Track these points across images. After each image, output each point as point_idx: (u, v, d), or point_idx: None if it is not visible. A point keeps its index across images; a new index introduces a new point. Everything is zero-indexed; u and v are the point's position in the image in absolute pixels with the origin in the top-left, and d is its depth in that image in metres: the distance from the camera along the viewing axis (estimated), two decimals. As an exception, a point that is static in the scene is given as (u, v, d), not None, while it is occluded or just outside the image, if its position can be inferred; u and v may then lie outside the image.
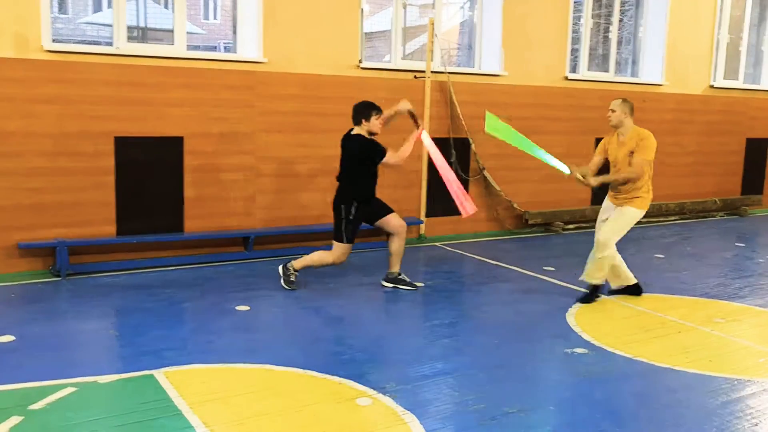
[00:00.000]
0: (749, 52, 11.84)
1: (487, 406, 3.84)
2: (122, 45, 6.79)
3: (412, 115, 6.24)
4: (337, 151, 7.66)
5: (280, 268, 6.05)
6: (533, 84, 8.98)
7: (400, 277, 6.18)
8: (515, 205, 8.90)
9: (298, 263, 5.99)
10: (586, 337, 5.01)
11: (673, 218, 10.43)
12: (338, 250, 5.90)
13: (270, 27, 7.25)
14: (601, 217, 6.07)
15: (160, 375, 4.11)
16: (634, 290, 6.15)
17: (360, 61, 7.85)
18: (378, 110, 5.97)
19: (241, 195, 7.18)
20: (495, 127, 5.86)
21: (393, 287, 6.14)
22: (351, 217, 5.86)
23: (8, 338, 4.64)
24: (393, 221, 6.11)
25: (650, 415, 3.84)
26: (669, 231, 9.61)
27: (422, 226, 8.34)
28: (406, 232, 6.20)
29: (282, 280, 6.00)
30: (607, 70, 10.09)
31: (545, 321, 5.43)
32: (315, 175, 7.55)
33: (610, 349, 4.77)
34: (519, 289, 6.35)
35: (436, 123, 8.24)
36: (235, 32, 7.63)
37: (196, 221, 6.97)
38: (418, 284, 6.21)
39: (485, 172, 8.64)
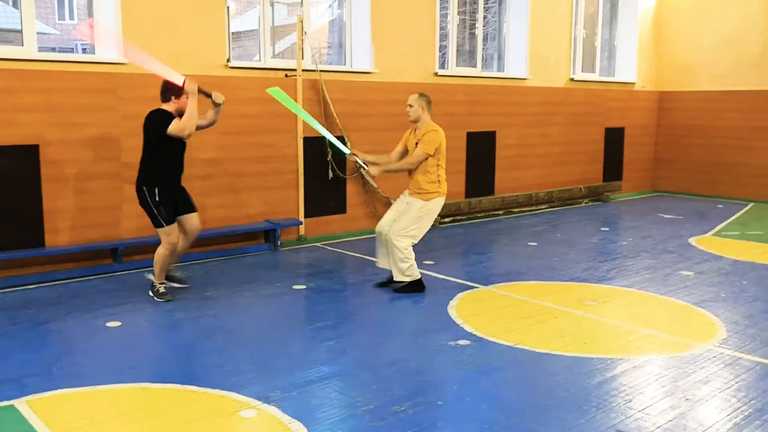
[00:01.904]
0: (603, 46, 12.53)
1: (376, 406, 3.80)
2: (-38, 47, 6.23)
3: (200, 90, 5.83)
4: (212, 154, 7.46)
5: (149, 289, 5.84)
6: (404, 80, 9.05)
7: (171, 274, 5.98)
8: (392, 202, 8.92)
9: (156, 276, 5.78)
10: (468, 328, 5.09)
11: (543, 207, 10.87)
12: (164, 237, 5.67)
13: (130, 27, 6.88)
14: (398, 207, 6.21)
15: (22, 405, 3.78)
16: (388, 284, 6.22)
17: (228, 60, 7.61)
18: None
19: (107, 204, 6.77)
20: (279, 94, 6.18)
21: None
22: (157, 200, 5.58)
23: None
24: (193, 220, 5.90)
25: (534, 400, 3.93)
26: (540, 219, 10.00)
27: (301, 227, 8.22)
28: (195, 237, 5.98)
29: (155, 297, 5.75)
30: (474, 66, 10.34)
31: (428, 315, 5.47)
32: (190, 179, 7.22)
33: (492, 339, 4.86)
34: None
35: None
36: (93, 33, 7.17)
37: (58, 234, 6.51)
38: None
39: (362, 170, 8.61)
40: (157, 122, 5.52)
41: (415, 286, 6.01)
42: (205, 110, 5.99)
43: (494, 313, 5.51)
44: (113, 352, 4.62)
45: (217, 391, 3.96)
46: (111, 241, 6.73)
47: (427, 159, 5.86)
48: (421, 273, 6.23)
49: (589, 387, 4.10)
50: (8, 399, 3.84)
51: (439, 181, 5.99)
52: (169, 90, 5.62)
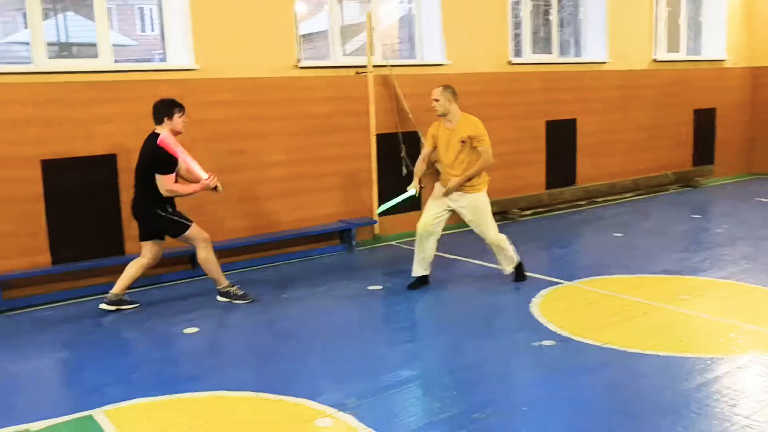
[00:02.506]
0: (688, 24, 11.86)
1: (455, 413, 3.61)
2: (42, 62, 6.39)
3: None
4: (282, 156, 7.43)
5: (219, 298, 5.84)
6: (477, 71, 8.79)
7: (123, 297, 5.78)
8: (470, 196, 8.69)
9: (219, 283, 5.80)
10: (552, 327, 4.83)
11: (628, 195, 10.37)
12: (193, 239, 5.68)
13: (200, 33, 6.92)
14: (437, 206, 6.01)
15: (100, 415, 3.78)
16: (424, 281, 6.07)
17: (298, 61, 7.56)
18: (181, 108, 5.69)
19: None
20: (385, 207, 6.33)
21: (116, 309, 5.71)
22: (171, 211, 5.63)
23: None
24: (160, 248, 5.86)
25: (625, 405, 3.65)
26: (625, 208, 9.54)
27: (376, 226, 8.09)
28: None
29: (235, 302, 5.77)
30: (550, 52, 9.96)
31: (510, 314, 5.23)
32: (258, 181, 7.24)
33: (577, 339, 4.59)
34: (480, 283, 6.15)
35: (382, 118, 7.99)
36: (163, 40, 7.27)
37: (137, 242, 6.59)
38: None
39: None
40: (152, 160, 5.48)
41: (521, 268, 6.04)
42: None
43: (580, 310, 5.22)
44: (190, 359, 4.61)
45: (292, 399, 3.86)
46: (187, 247, 6.77)
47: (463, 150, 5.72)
48: (501, 270, 6.02)
49: (686, 390, 3.79)
50: (88, 409, 3.85)
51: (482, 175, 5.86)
52: (160, 112, 5.59)
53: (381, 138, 8.01)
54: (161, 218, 5.59)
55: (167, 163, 5.48)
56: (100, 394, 4.05)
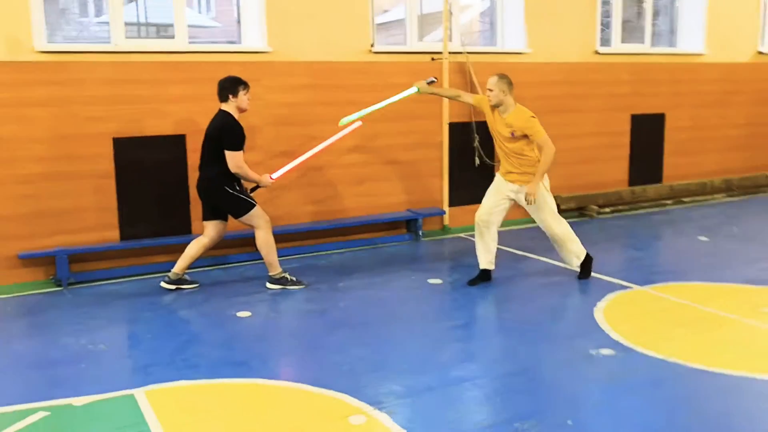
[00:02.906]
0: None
1: (495, 422, 3.42)
2: (120, 42, 6.52)
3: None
4: (355, 142, 7.33)
5: (272, 285, 5.79)
6: (559, 60, 8.42)
7: (183, 277, 5.83)
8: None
9: (273, 269, 5.76)
10: (614, 335, 4.53)
11: (719, 196, 9.73)
12: (254, 220, 5.65)
13: (274, 15, 6.89)
14: (497, 194, 5.75)
15: (141, 395, 3.80)
16: (485, 277, 5.84)
17: (372, 45, 7.43)
18: (245, 85, 5.67)
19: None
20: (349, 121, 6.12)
21: (176, 288, 5.77)
22: (237, 188, 5.60)
23: (-9, 355, 4.41)
24: (219, 229, 5.83)
25: (687, 427, 3.36)
26: (715, 210, 8.96)
27: (445, 216, 7.89)
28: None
29: (290, 288, 5.76)
30: (642, 42, 9.43)
31: (571, 318, 4.96)
32: (326, 167, 7.18)
33: (640, 349, 4.28)
34: (546, 282, 5.88)
35: (457, 106, 7.76)
36: (239, 22, 7.29)
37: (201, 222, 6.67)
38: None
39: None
40: (224, 132, 5.49)
41: (589, 263, 5.81)
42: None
43: (648, 318, 4.88)
44: (237, 344, 4.58)
45: (331, 393, 3.76)
46: (251, 229, 6.79)
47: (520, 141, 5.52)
48: (570, 269, 5.74)
49: (760, 415, 3.45)
50: (131, 388, 3.88)
51: (539, 160, 5.58)
52: (225, 89, 5.60)
53: (454, 127, 7.79)
54: (228, 195, 5.58)
55: (238, 138, 5.51)
56: (144, 373, 4.08)
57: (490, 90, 5.48)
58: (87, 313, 5.25)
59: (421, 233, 7.56)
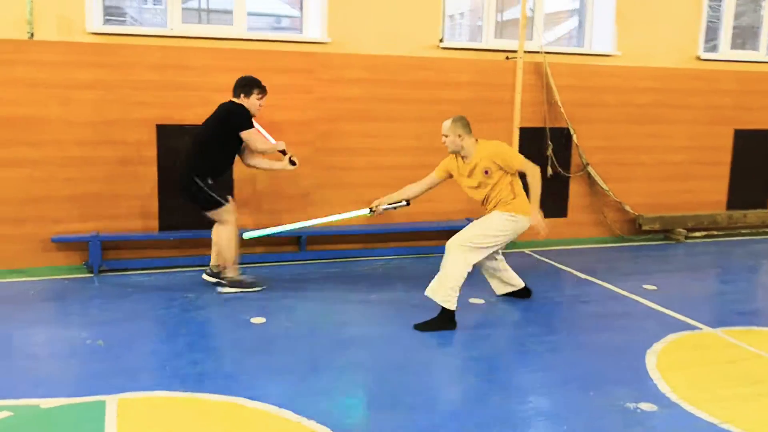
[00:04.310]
0: None
1: (486, 482, 2.89)
2: (176, 26, 6.35)
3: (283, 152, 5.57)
4: (410, 142, 6.86)
5: (221, 290, 5.40)
6: (653, 65, 7.60)
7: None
8: (627, 208, 7.60)
9: (229, 270, 5.38)
10: (662, 386, 3.85)
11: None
12: (224, 214, 5.28)
13: (336, 4, 6.53)
14: None
15: (114, 402, 3.52)
16: (524, 294, 5.37)
17: (441, 40, 6.94)
18: (262, 90, 5.32)
19: (294, 191, 6.52)
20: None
21: (216, 283, 5.49)
22: (210, 183, 5.22)
23: (-10, 343, 4.27)
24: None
25: None
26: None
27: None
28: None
29: (243, 291, 5.37)
30: (756, 49, 8.43)
31: (615, 358, 4.28)
32: (380, 168, 6.75)
33: (690, 408, 3.59)
34: (603, 312, 5.20)
35: (529, 110, 7.15)
36: (301, 9, 6.98)
37: (246, 217, 6.41)
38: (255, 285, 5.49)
39: (590, 168, 7.41)
40: (239, 117, 5.21)
41: (445, 322, 4.72)
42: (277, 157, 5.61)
43: (709, 369, 4.15)
44: (237, 354, 4.24)
45: (312, 424, 3.34)
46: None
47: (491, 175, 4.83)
48: (635, 299, 5.03)
49: None
50: (109, 393, 3.60)
51: (515, 196, 4.87)
52: (239, 87, 5.32)
53: (525, 132, 7.16)
54: (196, 188, 5.24)
55: (249, 118, 5.25)
56: (128, 378, 3.80)
57: (445, 136, 4.83)
58: (104, 304, 5.07)
59: (479, 245, 6.98)
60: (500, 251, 5.22)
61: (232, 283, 5.40)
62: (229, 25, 6.61)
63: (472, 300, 5.37)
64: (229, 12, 6.73)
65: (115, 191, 6.00)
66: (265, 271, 6.08)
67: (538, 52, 7.16)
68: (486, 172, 4.77)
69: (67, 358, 4.10)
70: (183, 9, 6.44)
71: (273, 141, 5.48)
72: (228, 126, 5.21)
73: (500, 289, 5.36)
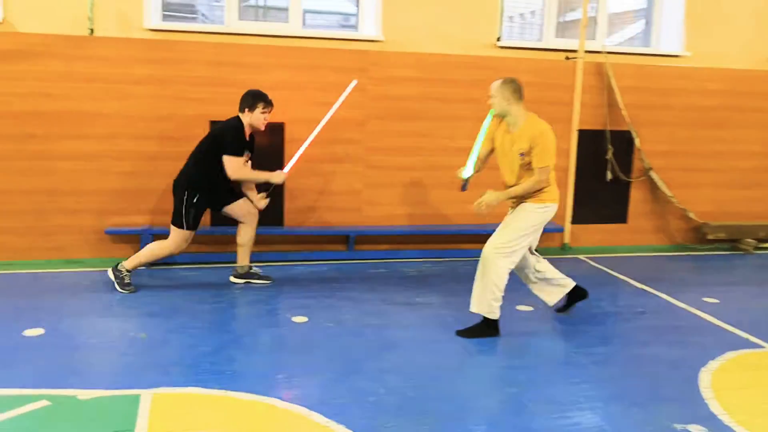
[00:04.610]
0: None
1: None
2: (232, 23, 6.39)
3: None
4: (466, 143, 6.71)
5: (110, 271, 5.29)
6: (724, 66, 7.24)
7: (251, 271, 5.52)
8: (691, 215, 7.27)
9: (129, 262, 5.26)
10: (715, 407, 3.63)
11: None
12: (178, 237, 5.21)
13: (391, 1, 6.46)
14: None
15: (148, 396, 3.53)
16: (578, 295, 4.98)
17: (498, 39, 6.78)
18: (268, 104, 5.22)
19: (346, 188, 6.48)
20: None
21: (245, 283, 5.49)
22: (195, 201, 5.17)
23: (38, 332, 4.36)
24: (241, 207, 5.43)
25: None
26: None
27: (565, 234, 7.06)
28: (257, 220, 5.48)
29: (116, 285, 5.23)
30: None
31: (670, 376, 4.06)
32: (433, 168, 6.64)
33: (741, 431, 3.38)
34: (657, 325, 4.96)
35: (589, 112, 6.92)
36: (357, 7, 6.92)
37: (297, 215, 6.41)
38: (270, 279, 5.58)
39: (652, 173, 7.12)
40: (228, 133, 5.19)
41: (488, 329, 4.58)
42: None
43: (769, 391, 3.91)
44: (274, 354, 4.20)
45: (341, 429, 3.27)
46: (344, 227, 6.44)
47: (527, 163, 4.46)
48: (694, 312, 4.77)
49: None
50: (141, 387, 3.62)
51: (550, 184, 4.53)
52: (244, 101, 5.25)
53: (584, 135, 6.94)
54: (180, 200, 5.21)
55: (238, 143, 5.19)
56: (163, 373, 3.82)
57: (493, 97, 4.52)
58: (151, 297, 5.13)
59: (534, 250, 6.79)
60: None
61: (117, 277, 5.23)
62: (285, 22, 6.62)
63: (520, 307, 5.22)
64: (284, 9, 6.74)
65: (169, 185, 6.04)
66: (313, 269, 6.06)
67: (599, 52, 6.91)
68: (522, 155, 4.45)
69: (109, 350, 4.15)
70: (243, 6, 6.49)
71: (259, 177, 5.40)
72: (216, 146, 5.20)
73: (550, 295, 4.95)
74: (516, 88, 4.47)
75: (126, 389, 3.60)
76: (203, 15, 6.97)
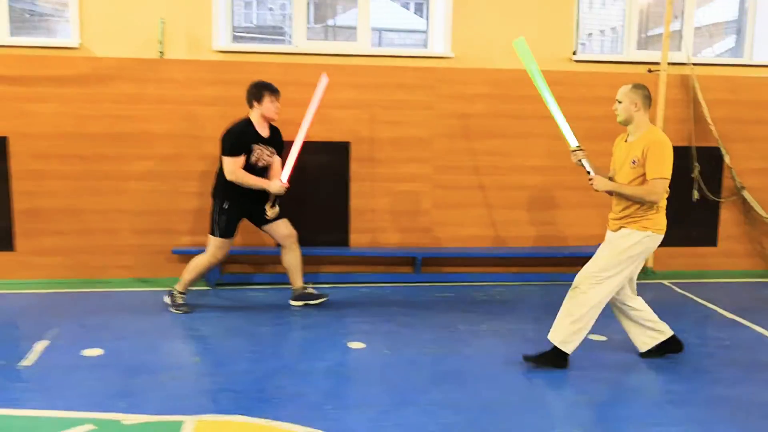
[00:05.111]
0: None
1: None
2: (301, 42, 6.37)
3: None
4: (541, 161, 6.44)
5: (166, 295, 5.28)
6: (826, 76, 6.67)
7: (306, 292, 5.38)
8: (789, 238, 6.70)
9: (180, 284, 5.21)
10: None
11: None
12: (212, 245, 5.18)
13: (460, 17, 6.28)
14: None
15: (191, 424, 3.45)
16: (672, 346, 4.43)
17: (574, 53, 6.47)
18: (273, 92, 5.04)
19: (414, 209, 6.31)
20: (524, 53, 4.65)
21: (303, 305, 5.35)
22: (225, 207, 5.11)
23: (96, 352, 4.39)
24: (280, 229, 5.28)
25: None
26: None
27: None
28: (297, 242, 5.34)
29: (170, 307, 5.21)
30: None
31: (760, 421, 3.64)
32: (505, 188, 6.38)
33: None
34: (749, 361, 4.48)
35: (673, 127, 6.50)
36: (427, 23, 6.78)
37: (362, 235, 6.28)
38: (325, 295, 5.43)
39: (745, 192, 6.60)
40: (225, 136, 5.09)
41: (557, 360, 4.21)
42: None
43: None
44: (325, 382, 4.04)
45: (386, 466, 3.08)
46: (411, 248, 6.26)
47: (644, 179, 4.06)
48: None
49: None
50: (188, 413, 3.55)
51: (656, 210, 4.11)
52: (250, 94, 5.14)
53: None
54: (213, 207, 5.20)
55: (235, 142, 5.05)
56: (211, 398, 3.74)
57: (619, 102, 4.16)
58: (211, 318, 5.12)
59: (611, 274, 6.41)
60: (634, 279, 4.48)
61: (173, 300, 5.26)
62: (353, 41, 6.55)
63: (593, 336, 4.87)
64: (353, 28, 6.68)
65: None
66: (377, 292, 5.91)
67: (685, 64, 6.49)
68: (634, 162, 4.09)
69: (162, 373, 4.10)
70: (312, 26, 6.48)
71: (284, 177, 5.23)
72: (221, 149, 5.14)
73: (641, 338, 4.45)
74: (647, 95, 4.16)
75: (171, 415, 3.54)
76: (289, 36, 6.98)
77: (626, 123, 4.18)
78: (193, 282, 5.32)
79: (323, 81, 5.42)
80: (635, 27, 6.83)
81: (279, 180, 5.17)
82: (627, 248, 4.13)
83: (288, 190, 5.23)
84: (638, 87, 4.15)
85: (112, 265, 6.03)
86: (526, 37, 6.29)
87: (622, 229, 4.17)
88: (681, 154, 6.48)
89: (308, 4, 6.50)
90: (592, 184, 4.19)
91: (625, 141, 4.23)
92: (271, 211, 5.21)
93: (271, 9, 7.98)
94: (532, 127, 6.35)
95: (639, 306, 4.42)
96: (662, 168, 4.02)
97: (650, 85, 6.34)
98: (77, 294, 5.71)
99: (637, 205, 4.11)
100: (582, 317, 4.14)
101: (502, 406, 3.75)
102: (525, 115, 6.33)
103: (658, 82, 6.42)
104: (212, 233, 5.21)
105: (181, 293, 5.27)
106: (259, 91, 5.13)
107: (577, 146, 4.35)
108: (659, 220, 4.19)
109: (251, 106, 5.18)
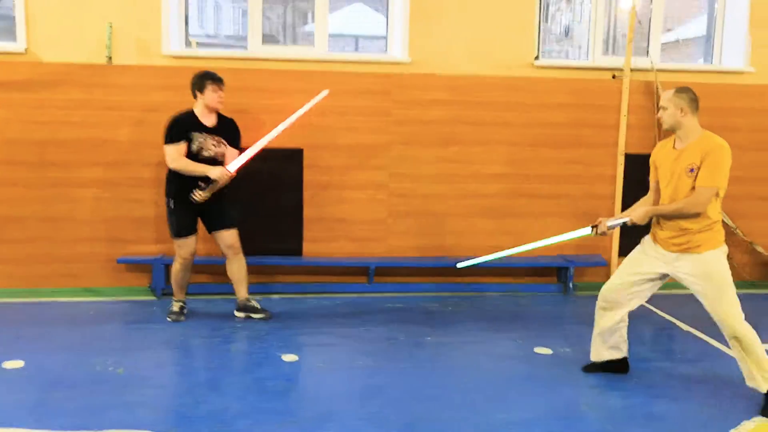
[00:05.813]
0: None
1: None
2: (255, 48, 6.25)
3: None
4: (501, 168, 6.30)
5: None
6: (796, 83, 6.52)
7: (249, 304, 5.27)
8: (759, 249, 6.52)
9: (176, 294, 5.30)
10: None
11: None
12: (176, 249, 5.17)
13: (418, 21, 6.14)
14: (639, 269, 4.16)
15: (95, 441, 3.30)
16: (620, 367, 4.34)
17: (536, 58, 6.33)
18: (216, 80, 4.99)
19: (369, 217, 6.16)
20: None
21: (246, 317, 5.23)
22: (172, 207, 5.08)
23: (17, 364, 4.24)
24: (224, 239, 5.18)
25: None
26: None
27: (611, 267, 6.46)
28: (240, 254, 5.24)
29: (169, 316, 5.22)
30: None
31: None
32: (463, 196, 6.23)
33: None
34: (697, 376, 4.34)
35: (636, 134, 6.36)
36: (387, 29, 6.65)
37: (316, 244, 6.14)
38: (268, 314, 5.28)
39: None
40: (166, 130, 5.03)
41: None
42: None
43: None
44: (248, 395, 3.88)
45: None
46: (362, 258, 6.11)
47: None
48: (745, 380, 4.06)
49: None
50: (101, 427, 3.40)
51: (715, 222, 3.90)
52: (193, 85, 5.08)
53: (631, 159, 6.36)
54: (167, 209, 5.14)
55: (172, 129, 5.01)
56: (127, 412, 3.59)
57: (664, 108, 3.97)
58: (148, 329, 4.97)
59: (572, 285, 6.26)
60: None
61: (170, 308, 5.27)
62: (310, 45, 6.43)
63: (539, 350, 4.73)
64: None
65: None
66: (326, 303, 5.77)
67: (649, 70, 6.35)
68: (691, 170, 3.86)
69: (80, 386, 3.95)
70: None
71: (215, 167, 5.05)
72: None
73: (600, 353, 4.36)
74: (693, 98, 3.95)
75: (79, 430, 3.39)
76: (285, 43, 6.86)
77: (673, 129, 3.98)
78: (181, 288, 5.30)
79: (322, 94, 5.38)
80: (601, 32, 6.70)
81: (224, 168, 5.03)
82: (725, 270, 3.92)
83: (233, 180, 5.12)
84: (682, 90, 3.96)
85: (57, 275, 5.88)
86: (485, 42, 6.23)
87: (698, 255, 3.92)
88: (645, 162, 6.36)
89: (263, 9, 6.37)
90: (635, 222, 4.02)
91: (673, 147, 4.01)
92: (198, 194, 4.98)
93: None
94: (492, 134, 6.22)
95: (625, 323, 4.28)
96: (714, 176, 3.81)
97: (613, 92, 6.33)
98: (19, 304, 5.57)
99: (697, 224, 3.88)
100: (760, 351, 3.88)
101: (430, 423, 3.59)
102: (484, 121, 6.20)
103: (621, 87, 6.27)
104: (171, 236, 5.20)
105: (176, 301, 5.29)
106: (201, 80, 5.06)
107: (593, 227, 4.22)
108: (722, 229, 4.00)
109: (195, 96, 5.10)
